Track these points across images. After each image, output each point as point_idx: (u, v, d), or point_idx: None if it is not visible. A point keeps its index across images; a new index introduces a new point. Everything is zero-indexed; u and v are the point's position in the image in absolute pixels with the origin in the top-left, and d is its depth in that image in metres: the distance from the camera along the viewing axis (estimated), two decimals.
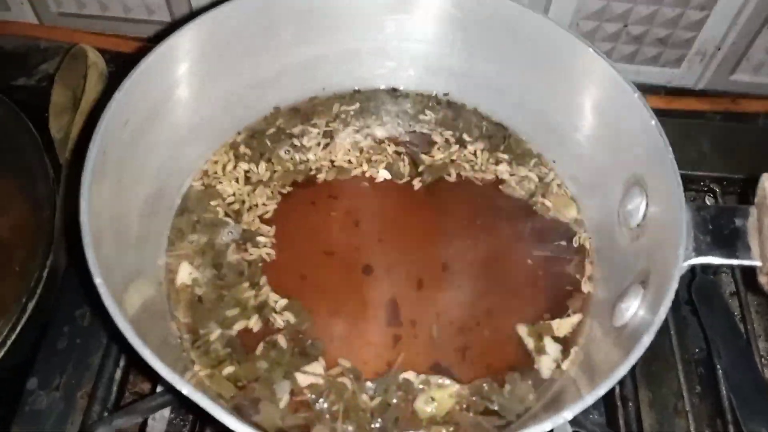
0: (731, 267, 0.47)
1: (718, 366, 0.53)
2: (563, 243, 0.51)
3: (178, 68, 0.47)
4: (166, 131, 0.48)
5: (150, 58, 0.44)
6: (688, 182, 0.50)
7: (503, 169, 0.54)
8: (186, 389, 0.32)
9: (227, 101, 0.53)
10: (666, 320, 0.35)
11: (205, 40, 0.48)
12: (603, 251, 0.49)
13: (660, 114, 0.43)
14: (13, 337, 0.47)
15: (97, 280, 0.35)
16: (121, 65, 0.71)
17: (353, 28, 0.54)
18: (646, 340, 0.35)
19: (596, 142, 0.50)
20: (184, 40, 0.46)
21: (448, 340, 0.47)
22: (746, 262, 0.37)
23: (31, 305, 0.48)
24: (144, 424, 0.50)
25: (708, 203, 0.61)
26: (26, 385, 0.50)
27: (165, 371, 0.32)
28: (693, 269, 0.57)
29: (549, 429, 0.32)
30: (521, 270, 0.50)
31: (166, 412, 0.50)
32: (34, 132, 0.57)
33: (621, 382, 0.54)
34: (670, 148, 0.42)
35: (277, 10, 0.51)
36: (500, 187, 0.54)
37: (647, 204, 0.44)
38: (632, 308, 0.40)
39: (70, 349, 0.52)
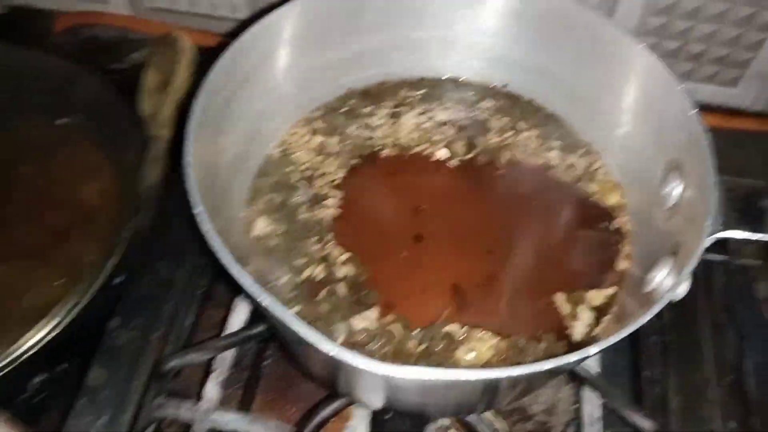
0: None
1: (750, 363, 0.56)
2: (604, 224, 0.55)
3: (270, 45, 0.54)
4: (255, 101, 0.55)
5: (248, 34, 0.51)
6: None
7: (553, 156, 0.59)
8: (266, 300, 0.37)
9: (308, 79, 0.60)
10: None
11: (297, 21, 0.55)
12: (640, 232, 0.53)
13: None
14: (99, 283, 0.53)
15: (197, 209, 0.41)
16: (205, 58, 0.78)
17: (426, 19, 0.60)
18: (669, 294, 0.39)
19: (640, 131, 0.54)
20: (279, 19, 0.53)
21: (492, 301, 0.51)
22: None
23: (113, 261, 0.55)
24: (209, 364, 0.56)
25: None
26: (108, 324, 0.56)
27: (248, 282, 0.38)
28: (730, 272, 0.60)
29: (574, 360, 0.36)
30: (563, 246, 0.54)
31: (230, 354, 0.57)
32: (128, 109, 0.64)
33: (651, 364, 0.58)
34: (707, 135, 0.46)
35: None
36: (549, 172, 0.58)
37: (684, 186, 0.48)
38: (661, 276, 0.44)
39: (149, 297, 0.58)
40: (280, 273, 0.52)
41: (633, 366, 0.58)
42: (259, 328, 0.54)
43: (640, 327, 0.38)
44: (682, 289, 0.40)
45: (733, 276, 0.62)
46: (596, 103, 0.58)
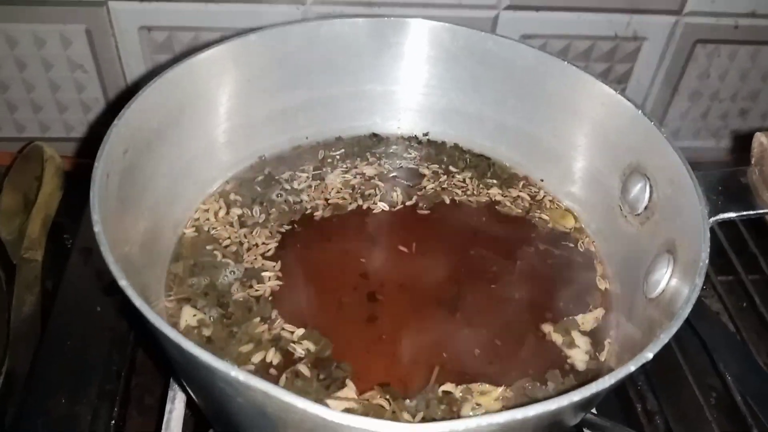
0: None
1: (727, 375, 0.53)
2: (569, 248, 0.51)
3: (168, 106, 0.47)
4: (160, 168, 0.47)
5: (144, 93, 0.44)
6: None
7: (495, 192, 0.55)
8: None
9: (215, 148, 0.53)
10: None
11: (194, 85, 0.48)
12: (610, 247, 0.50)
13: None
14: None
15: (122, 282, 0.32)
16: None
17: (335, 76, 0.56)
18: (694, 292, 0.35)
19: (583, 148, 0.52)
20: (171, 84, 0.46)
21: (476, 349, 0.44)
22: (763, 211, 0.39)
23: None
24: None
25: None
26: None
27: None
28: None
29: (632, 370, 0.30)
30: (533, 278, 0.50)
31: None
32: None
33: (642, 397, 0.54)
34: (662, 129, 0.44)
35: (259, 59, 0.52)
36: (497, 207, 0.54)
37: (651, 186, 0.45)
38: (665, 276, 0.41)
39: None
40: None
41: (621, 401, 0.53)
42: None
43: None
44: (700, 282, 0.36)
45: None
46: (525, 132, 0.56)
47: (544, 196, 0.55)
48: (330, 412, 0.27)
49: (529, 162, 0.57)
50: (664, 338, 0.31)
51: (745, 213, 0.40)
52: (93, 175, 0.38)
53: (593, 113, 0.50)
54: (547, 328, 0.46)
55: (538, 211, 0.54)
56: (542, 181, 0.56)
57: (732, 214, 0.40)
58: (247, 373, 0.28)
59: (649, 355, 0.31)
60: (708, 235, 0.37)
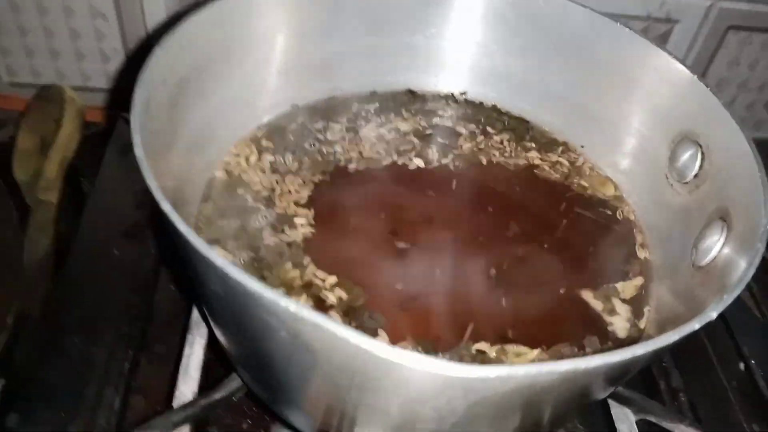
0: None
1: (751, 360, 0.53)
2: (608, 215, 0.50)
3: (207, 43, 0.45)
4: (194, 106, 0.45)
5: (185, 24, 0.42)
6: None
7: (533, 155, 0.54)
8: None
9: (247, 93, 0.51)
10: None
11: (229, 24, 0.46)
12: (652, 216, 0.49)
13: None
14: None
15: (165, 206, 0.30)
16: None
17: (371, 24, 0.54)
18: (756, 256, 0.33)
19: (631, 115, 0.50)
20: (205, 22, 0.44)
21: (512, 310, 0.43)
22: None
23: None
24: None
25: None
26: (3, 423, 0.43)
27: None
28: None
29: (697, 327, 0.29)
30: (571, 243, 0.48)
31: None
32: None
33: (666, 373, 0.53)
34: (718, 95, 0.43)
35: (302, 1, 0.50)
36: (534, 171, 0.53)
37: (702, 153, 0.44)
38: (717, 244, 0.39)
39: (59, 384, 0.45)
40: None
41: (643, 378, 0.52)
42: (233, 385, 0.41)
43: None
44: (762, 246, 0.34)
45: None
46: (568, 96, 0.54)
47: (584, 163, 0.54)
48: (387, 349, 0.26)
49: (571, 128, 0.55)
50: (727, 298, 0.30)
51: None
52: (134, 98, 0.36)
53: (645, 79, 0.48)
54: (586, 294, 0.44)
55: (577, 177, 0.53)
56: (582, 147, 0.55)
57: None
58: (299, 303, 0.27)
59: (713, 315, 0.29)
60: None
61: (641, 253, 0.47)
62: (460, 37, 0.56)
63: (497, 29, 0.54)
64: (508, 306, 0.43)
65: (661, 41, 0.69)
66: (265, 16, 0.48)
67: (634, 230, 0.49)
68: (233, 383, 0.44)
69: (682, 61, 0.46)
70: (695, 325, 0.29)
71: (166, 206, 0.30)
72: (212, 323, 0.42)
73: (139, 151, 0.33)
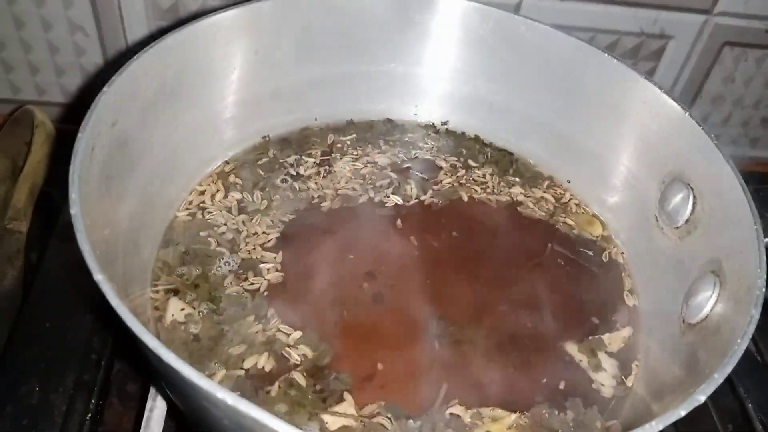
0: None
1: (748, 402, 0.49)
2: (594, 259, 0.47)
3: (165, 75, 0.42)
4: (153, 144, 0.42)
5: (138, 60, 0.39)
6: None
7: (517, 191, 0.51)
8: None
9: (215, 125, 0.48)
10: None
11: (196, 50, 0.44)
12: (642, 260, 0.46)
13: None
14: None
15: (98, 276, 0.27)
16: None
17: (353, 51, 0.51)
18: (750, 324, 0.31)
19: (619, 150, 0.48)
20: (168, 48, 0.41)
21: (490, 367, 0.40)
22: None
23: None
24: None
25: None
26: None
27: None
28: None
29: (683, 414, 0.26)
30: (556, 290, 0.45)
31: None
32: None
33: None
34: (712, 135, 0.40)
35: (270, 28, 0.47)
36: (518, 208, 0.50)
37: (694, 197, 0.41)
38: (710, 301, 0.36)
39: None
40: (213, 368, 0.38)
41: None
42: None
43: None
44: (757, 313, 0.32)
45: None
46: (555, 128, 0.51)
47: (570, 199, 0.51)
48: None
49: (557, 161, 0.52)
50: (718, 378, 0.27)
51: None
52: (75, 147, 0.33)
53: (634, 112, 0.46)
54: (570, 347, 0.42)
55: (563, 215, 0.50)
56: (569, 182, 0.52)
57: None
58: (235, 396, 0.24)
59: (702, 398, 0.26)
60: (765, 258, 0.33)
61: (630, 300, 0.45)
62: (439, 65, 0.53)
63: (478, 55, 0.52)
64: (487, 363, 0.40)
65: (655, 58, 0.66)
66: (227, 45, 0.46)
67: (623, 274, 0.46)
68: None
69: (672, 96, 0.43)
70: (681, 411, 0.26)
71: (98, 277, 0.28)
72: (166, 390, 0.39)
73: (75, 209, 0.30)
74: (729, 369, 0.28)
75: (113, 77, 0.37)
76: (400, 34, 0.51)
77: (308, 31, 0.49)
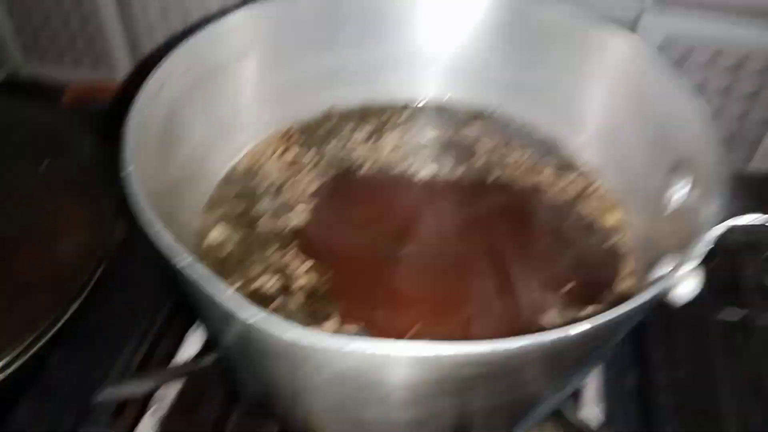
0: None
1: None
2: (601, 245, 0.49)
3: (234, 49, 0.50)
4: (216, 109, 0.51)
5: (203, 35, 0.47)
6: None
7: (547, 174, 0.54)
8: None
9: (283, 92, 0.56)
10: None
11: (266, 25, 0.52)
12: (641, 247, 0.47)
13: None
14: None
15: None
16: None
17: (410, 34, 0.57)
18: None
19: (642, 140, 0.49)
20: (243, 21, 0.50)
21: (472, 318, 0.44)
22: None
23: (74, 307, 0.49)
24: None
25: None
26: (48, 360, 0.50)
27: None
28: None
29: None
30: (557, 268, 0.48)
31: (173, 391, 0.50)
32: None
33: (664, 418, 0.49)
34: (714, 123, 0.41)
35: (342, 5, 0.54)
36: (541, 191, 0.53)
37: (691, 186, 0.42)
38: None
39: (97, 331, 0.53)
40: (229, 282, 0.46)
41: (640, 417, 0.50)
42: (207, 360, 0.47)
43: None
44: (687, 287, 0.33)
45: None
46: (593, 118, 0.54)
47: (596, 189, 0.53)
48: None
49: (591, 151, 0.54)
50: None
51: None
52: (131, 110, 0.41)
53: (660, 104, 0.47)
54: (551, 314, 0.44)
55: (583, 202, 0.52)
56: (598, 170, 0.54)
57: (758, 217, 0.36)
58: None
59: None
60: (711, 234, 0.34)
61: (625, 283, 0.46)
62: (491, 52, 0.57)
63: (527, 45, 0.55)
64: (472, 318, 0.44)
65: None
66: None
67: (625, 259, 0.48)
68: None
69: None
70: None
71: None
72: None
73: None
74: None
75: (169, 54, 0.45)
76: (446, 17, 0.56)
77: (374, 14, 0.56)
